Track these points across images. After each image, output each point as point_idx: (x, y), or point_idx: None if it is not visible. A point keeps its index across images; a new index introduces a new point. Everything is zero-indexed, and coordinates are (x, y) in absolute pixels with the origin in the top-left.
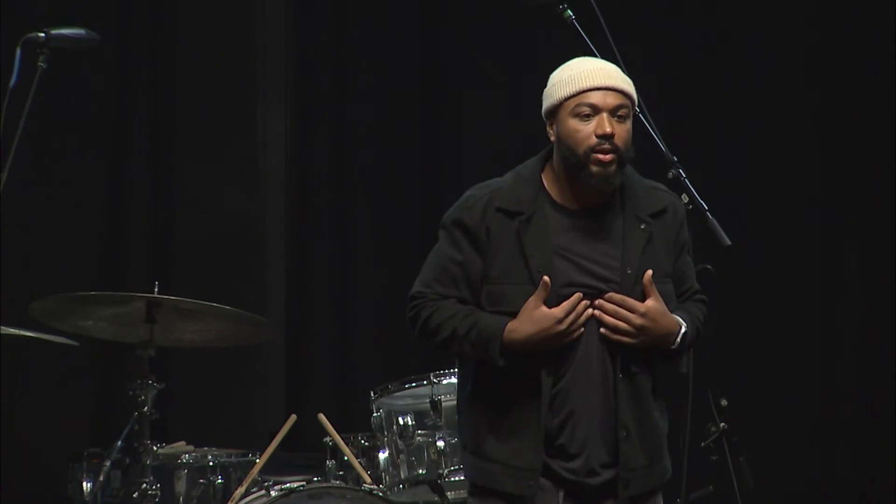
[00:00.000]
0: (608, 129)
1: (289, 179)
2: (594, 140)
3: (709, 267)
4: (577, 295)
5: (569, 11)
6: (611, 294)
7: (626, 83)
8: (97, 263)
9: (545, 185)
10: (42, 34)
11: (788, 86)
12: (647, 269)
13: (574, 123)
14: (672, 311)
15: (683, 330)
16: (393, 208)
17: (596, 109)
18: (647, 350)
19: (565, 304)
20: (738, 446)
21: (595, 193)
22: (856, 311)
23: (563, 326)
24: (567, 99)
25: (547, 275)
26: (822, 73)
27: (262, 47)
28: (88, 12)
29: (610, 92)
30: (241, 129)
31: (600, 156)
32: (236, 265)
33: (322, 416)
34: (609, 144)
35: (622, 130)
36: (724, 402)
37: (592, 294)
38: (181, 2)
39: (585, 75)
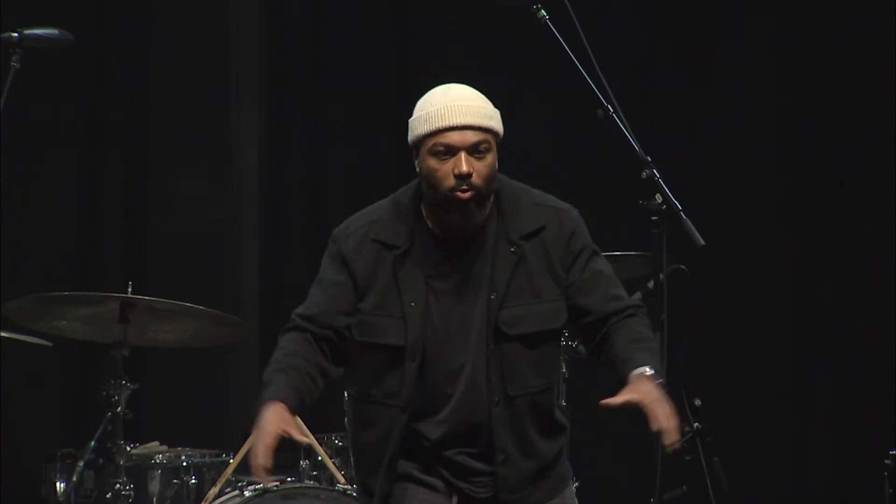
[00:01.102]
0: (465, 169)
1: (262, 179)
2: (452, 181)
3: (682, 267)
4: (265, 462)
5: (542, 11)
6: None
7: (486, 118)
8: (71, 263)
9: (423, 213)
10: (15, 34)
11: (762, 84)
12: (519, 297)
13: (433, 162)
14: (629, 356)
15: (650, 372)
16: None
17: (452, 150)
18: (532, 374)
19: (262, 449)
20: (711, 446)
21: (458, 225)
22: (829, 310)
23: (253, 439)
24: (425, 137)
25: (417, 308)
26: (792, 74)
27: (236, 46)
28: (62, 12)
29: (468, 130)
30: (214, 128)
31: (459, 194)
32: (210, 265)
33: (297, 418)
34: (465, 184)
35: (482, 167)
36: (697, 403)
37: (465, 328)
38: (154, 2)
39: (443, 114)
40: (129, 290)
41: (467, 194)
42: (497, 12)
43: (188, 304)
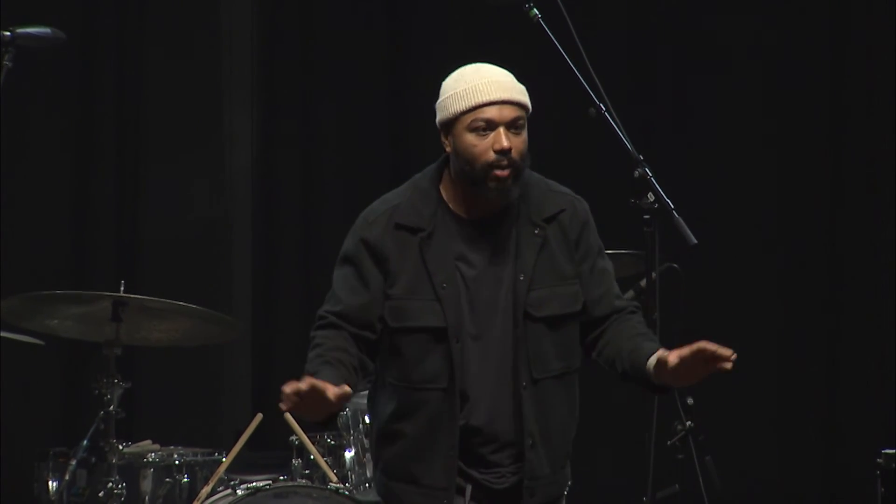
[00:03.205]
0: (506, 144)
1: (255, 178)
2: (492, 155)
3: (675, 266)
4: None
5: (535, 10)
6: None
7: (521, 94)
8: (63, 262)
9: (444, 196)
10: (7, 33)
11: (756, 83)
12: (544, 280)
13: (471, 138)
14: (638, 345)
15: (664, 353)
16: (360, 207)
17: (492, 124)
18: (554, 356)
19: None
20: (704, 445)
21: (492, 202)
22: (821, 309)
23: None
24: (463, 114)
25: (450, 289)
26: (788, 75)
27: (228, 45)
28: (54, 11)
29: (506, 105)
30: (207, 127)
31: (497, 171)
32: (203, 264)
33: (289, 416)
34: (506, 160)
35: (519, 142)
36: (690, 401)
37: (492, 310)
38: (147, 1)
39: (480, 89)
40: (122, 288)
41: (506, 171)
42: (490, 11)
43: (180, 303)
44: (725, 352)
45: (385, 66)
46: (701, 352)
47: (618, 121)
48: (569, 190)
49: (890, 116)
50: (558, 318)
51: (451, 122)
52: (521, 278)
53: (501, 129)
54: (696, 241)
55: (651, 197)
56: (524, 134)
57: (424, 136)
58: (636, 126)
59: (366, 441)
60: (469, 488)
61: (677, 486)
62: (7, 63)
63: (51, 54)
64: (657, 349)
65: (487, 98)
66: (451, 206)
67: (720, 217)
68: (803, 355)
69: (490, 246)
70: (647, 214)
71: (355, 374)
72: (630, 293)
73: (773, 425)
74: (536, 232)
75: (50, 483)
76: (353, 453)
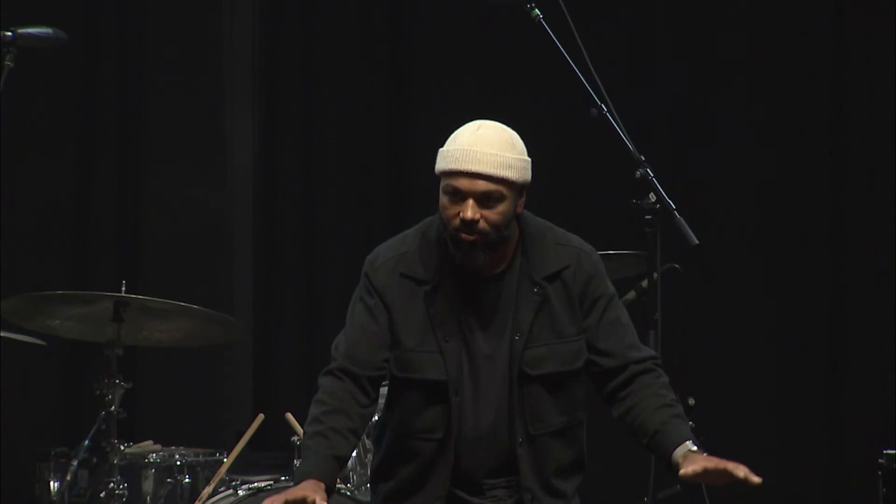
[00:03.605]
0: (469, 216)
1: (256, 177)
2: (458, 222)
3: (676, 266)
4: None
5: (536, 10)
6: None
7: (501, 168)
8: (64, 262)
9: (450, 248)
10: (9, 33)
11: (758, 84)
12: (542, 338)
13: (444, 200)
14: (665, 424)
15: (696, 448)
16: (361, 206)
17: (462, 195)
18: (554, 412)
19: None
20: (705, 445)
21: (492, 259)
22: (823, 309)
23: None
24: (441, 174)
25: (452, 344)
26: (789, 76)
27: (230, 44)
28: (56, 12)
29: (479, 179)
30: (208, 126)
31: (463, 235)
32: (204, 264)
33: (290, 416)
34: (469, 230)
35: (491, 214)
36: (691, 402)
37: (490, 366)
38: (148, 2)
39: (458, 156)
40: (123, 289)
41: (471, 237)
42: (491, 12)
43: (182, 304)
44: (754, 479)
45: (386, 67)
46: (727, 473)
47: (619, 121)
48: (579, 241)
49: (890, 115)
50: (556, 375)
51: (439, 177)
52: (517, 337)
53: (470, 201)
54: (697, 242)
55: (653, 197)
56: (501, 206)
57: (425, 137)
58: (637, 126)
59: (367, 442)
60: None
61: (678, 486)
62: (8, 63)
63: (52, 54)
64: (684, 439)
65: (459, 167)
66: (456, 259)
67: (722, 218)
68: (804, 355)
69: (492, 302)
70: (648, 215)
71: (352, 436)
72: (631, 293)
73: (773, 425)
74: (536, 290)
75: (51, 483)
76: (354, 454)
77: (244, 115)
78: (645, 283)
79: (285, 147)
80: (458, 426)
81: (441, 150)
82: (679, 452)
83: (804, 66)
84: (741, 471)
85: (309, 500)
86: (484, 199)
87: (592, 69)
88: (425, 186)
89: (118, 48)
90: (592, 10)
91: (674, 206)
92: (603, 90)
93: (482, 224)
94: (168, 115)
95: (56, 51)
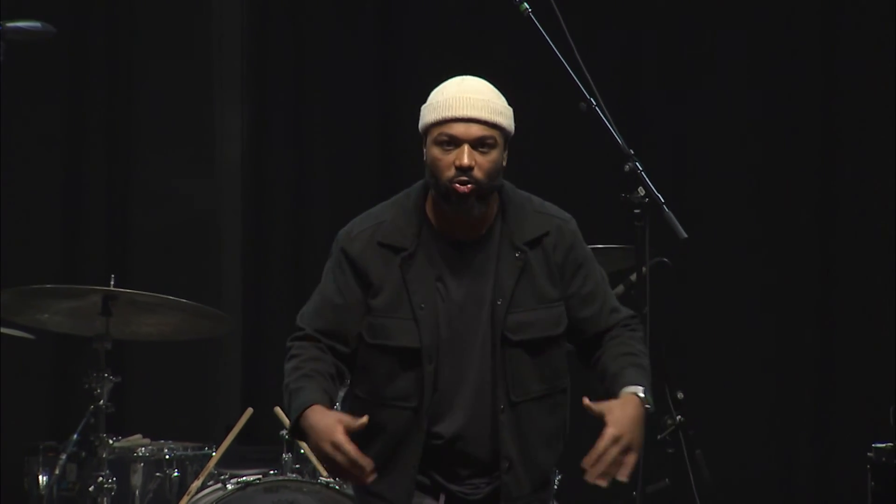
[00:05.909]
0: (466, 162)
1: (245, 171)
2: (453, 171)
3: (665, 260)
4: (368, 462)
5: (525, 5)
6: (587, 459)
7: (495, 113)
8: (53, 256)
9: (428, 215)
10: None
11: (747, 80)
12: (524, 303)
13: (436, 152)
14: (620, 370)
15: (642, 395)
16: (350, 201)
17: (457, 141)
18: (535, 379)
19: (352, 451)
20: (694, 439)
21: (474, 223)
22: (812, 304)
23: (329, 450)
24: (432, 126)
25: (427, 311)
26: (779, 72)
27: (219, 38)
28: (44, 5)
29: (473, 123)
30: (197, 121)
31: (458, 186)
32: (193, 258)
33: (278, 410)
34: (466, 177)
35: (485, 161)
36: (680, 396)
37: (471, 332)
38: None
39: (451, 104)
40: (112, 283)
41: (466, 187)
42: (480, 6)
43: (171, 297)
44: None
45: (375, 63)
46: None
47: (608, 115)
48: (556, 210)
49: (889, 115)
50: (537, 341)
51: (424, 133)
52: (499, 302)
53: (465, 147)
54: (686, 236)
55: (641, 191)
56: (494, 154)
57: (413, 133)
58: (626, 120)
59: None
60: (443, 498)
61: (667, 480)
62: None
63: (41, 48)
64: (630, 383)
65: (454, 114)
66: (434, 226)
67: (711, 212)
68: (794, 349)
69: (471, 268)
70: (637, 209)
71: (333, 382)
72: (620, 287)
73: (763, 419)
74: (517, 255)
75: (40, 477)
76: None
77: (233, 108)
78: (634, 277)
79: (274, 141)
80: (431, 394)
81: (425, 105)
82: (624, 392)
83: (797, 59)
84: (604, 443)
85: (356, 425)
86: (478, 145)
87: (581, 63)
88: (416, 180)
89: (107, 42)
90: (582, 4)
91: (663, 200)
92: (592, 84)
93: (476, 172)
94: (157, 109)
95: (45, 44)
